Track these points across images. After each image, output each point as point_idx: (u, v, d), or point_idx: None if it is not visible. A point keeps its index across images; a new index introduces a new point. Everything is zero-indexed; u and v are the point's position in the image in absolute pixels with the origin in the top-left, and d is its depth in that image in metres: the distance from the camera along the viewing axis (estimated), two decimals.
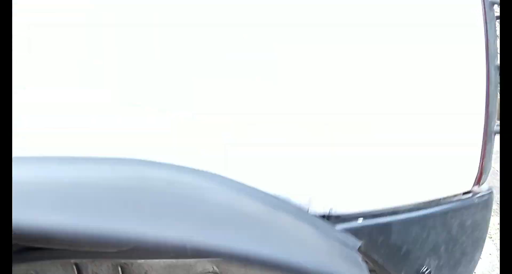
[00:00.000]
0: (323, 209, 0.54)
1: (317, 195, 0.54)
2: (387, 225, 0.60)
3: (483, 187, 0.80)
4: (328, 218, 0.55)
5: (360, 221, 0.57)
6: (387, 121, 0.62)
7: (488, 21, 0.70)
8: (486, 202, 0.78)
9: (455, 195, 0.71)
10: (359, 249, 0.54)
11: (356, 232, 0.56)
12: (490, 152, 0.77)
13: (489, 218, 0.82)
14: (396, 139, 0.62)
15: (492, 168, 0.81)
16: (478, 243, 0.78)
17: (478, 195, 0.76)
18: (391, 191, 0.61)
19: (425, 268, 0.68)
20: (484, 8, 0.71)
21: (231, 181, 0.45)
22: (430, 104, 0.67)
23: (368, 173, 0.59)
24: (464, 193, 0.74)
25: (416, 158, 0.66)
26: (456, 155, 0.71)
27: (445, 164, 0.69)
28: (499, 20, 0.75)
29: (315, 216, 0.53)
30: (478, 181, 0.75)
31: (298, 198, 0.52)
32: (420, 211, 0.64)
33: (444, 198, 0.69)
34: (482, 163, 0.75)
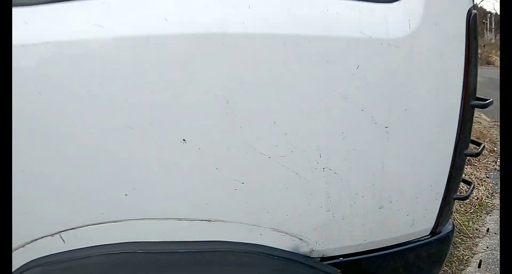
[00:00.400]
0: (318, 255, 1.06)
1: (315, 248, 1.05)
2: (358, 260, 1.09)
3: (445, 228, 1.20)
4: (321, 259, 1.07)
5: (341, 259, 1.08)
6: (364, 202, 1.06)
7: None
8: (444, 239, 1.19)
9: (412, 240, 1.15)
10: None
11: (337, 265, 1.07)
12: (449, 212, 1.16)
13: (448, 248, 1.23)
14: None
15: None
16: (435, 263, 1.22)
17: (436, 236, 1.17)
18: (363, 242, 1.09)
19: None
20: None
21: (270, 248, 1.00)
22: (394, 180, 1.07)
23: (351, 232, 1.07)
24: (422, 237, 1.16)
25: (384, 218, 1.09)
26: (415, 218, 1.12)
27: (406, 222, 1.12)
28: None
29: (313, 258, 1.06)
30: (435, 230, 1.16)
31: (303, 249, 1.05)
32: (382, 251, 1.11)
33: (404, 242, 1.14)
34: (439, 220, 1.14)
